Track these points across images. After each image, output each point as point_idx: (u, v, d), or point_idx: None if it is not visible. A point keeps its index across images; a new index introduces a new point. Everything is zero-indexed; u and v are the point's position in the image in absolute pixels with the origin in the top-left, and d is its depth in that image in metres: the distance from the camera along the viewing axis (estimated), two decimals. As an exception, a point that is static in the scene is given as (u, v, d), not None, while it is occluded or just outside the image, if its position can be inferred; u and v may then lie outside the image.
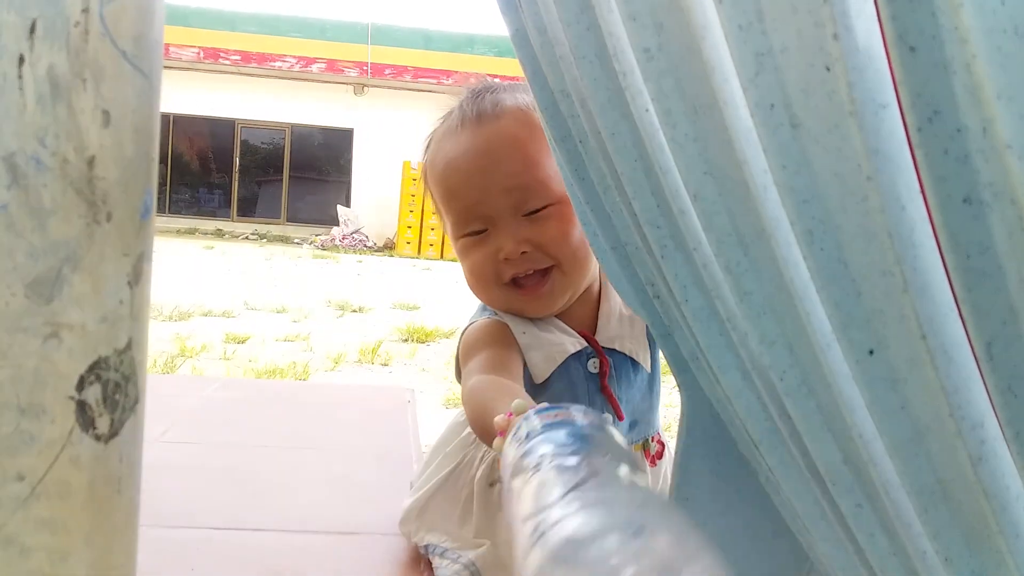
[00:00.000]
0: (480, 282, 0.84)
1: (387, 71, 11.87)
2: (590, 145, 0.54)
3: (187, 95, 11.60)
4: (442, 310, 5.32)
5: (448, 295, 6.25)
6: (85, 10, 0.37)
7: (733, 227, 0.41)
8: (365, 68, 11.81)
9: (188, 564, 0.92)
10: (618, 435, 0.43)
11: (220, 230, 12.13)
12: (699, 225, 0.44)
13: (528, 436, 0.44)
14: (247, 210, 12.98)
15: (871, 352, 0.35)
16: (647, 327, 0.86)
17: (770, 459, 0.50)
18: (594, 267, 0.86)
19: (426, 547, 0.90)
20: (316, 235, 11.64)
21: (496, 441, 0.54)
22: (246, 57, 11.64)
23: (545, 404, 0.48)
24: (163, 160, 11.98)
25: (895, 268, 0.32)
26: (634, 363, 0.88)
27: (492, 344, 0.81)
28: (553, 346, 0.83)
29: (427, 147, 0.88)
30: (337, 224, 11.58)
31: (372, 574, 0.94)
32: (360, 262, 9.14)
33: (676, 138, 0.42)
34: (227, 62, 11.72)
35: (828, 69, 0.31)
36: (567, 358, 0.83)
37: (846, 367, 0.37)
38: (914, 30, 0.28)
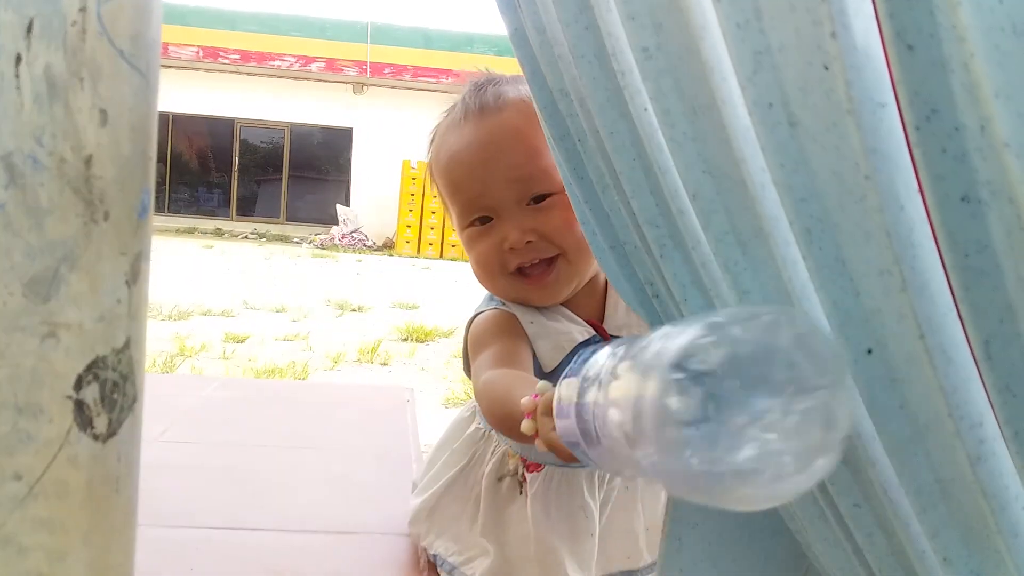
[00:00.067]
0: (486, 272, 0.84)
1: (386, 70, 11.87)
2: (589, 144, 0.54)
3: (186, 94, 11.59)
4: (441, 309, 5.32)
5: (447, 294, 6.25)
6: (82, 9, 0.36)
7: (731, 226, 0.41)
8: (364, 67, 11.81)
9: (187, 564, 0.92)
10: None
11: (219, 229, 12.13)
12: (697, 224, 0.44)
13: (572, 372, 0.45)
14: (246, 209, 12.97)
15: (869, 351, 0.35)
16: None
17: (769, 458, 0.50)
18: None
19: (435, 556, 0.90)
20: (315, 234, 11.64)
21: (525, 423, 0.54)
22: (245, 56, 11.63)
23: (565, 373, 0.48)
24: (162, 159, 11.98)
25: (893, 267, 0.32)
26: None
27: (501, 336, 0.81)
28: (561, 335, 0.83)
29: (431, 140, 0.88)
30: (336, 223, 11.58)
31: (371, 574, 0.94)
32: (359, 261, 9.14)
33: (674, 137, 0.42)
34: (226, 61, 11.72)
35: (826, 68, 0.31)
36: (575, 347, 0.83)
37: (844, 366, 0.37)
38: (912, 28, 0.28)
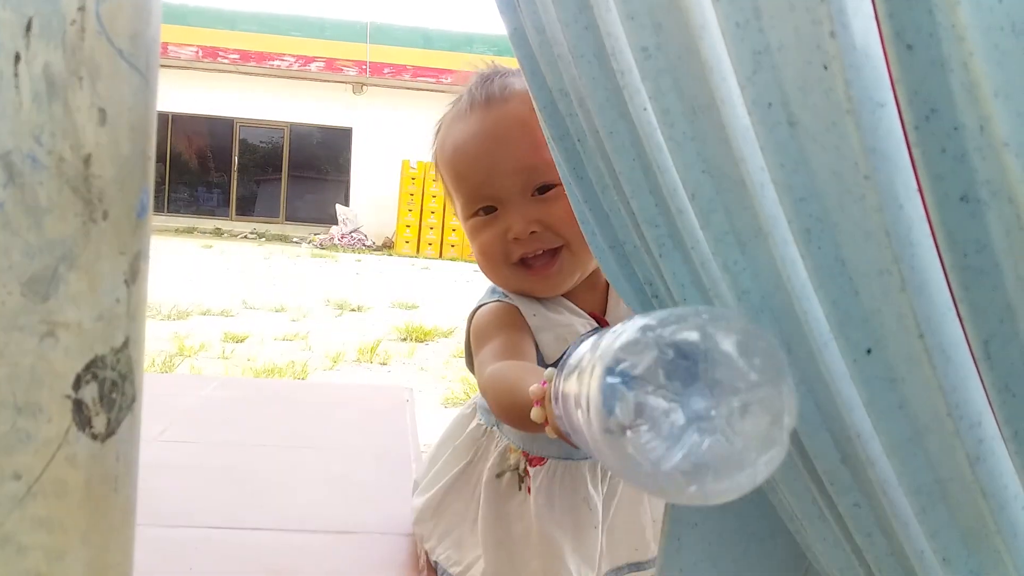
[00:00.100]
0: (490, 262, 0.84)
1: (386, 70, 11.87)
2: (588, 144, 0.54)
3: (186, 94, 11.59)
4: (441, 309, 5.32)
5: (447, 294, 6.25)
6: (81, 8, 0.36)
7: (731, 226, 0.41)
8: (364, 67, 11.81)
9: (186, 563, 0.92)
10: None
11: (219, 229, 12.13)
12: (697, 224, 0.44)
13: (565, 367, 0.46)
14: (246, 209, 12.97)
15: (869, 351, 0.35)
16: None
17: (768, 458, 0.50)
18: None
19: (435, 563, 0.90)
20: (315, 234, 11.64)
21: (534, 411, 0.55)
22: (245, 56, 11.63)
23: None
24: (161, 159, 11.98)
25: (893, 267, 0.32)
26: None
27: (504, 328, 0.81)
28: (563, 327, 0.83)
29: (436, 132, 0.88)
30: (336, 223, 11.58)
31: (370, 573, 0.94)
32: (359, 261, 9.14)
33: (674, 137, 0.42)
34: (226, 61, 11.72)
35: (825, 67, 0.31)
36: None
37: (844, 366, 0.37)
38: (911, 27, 0.28)
